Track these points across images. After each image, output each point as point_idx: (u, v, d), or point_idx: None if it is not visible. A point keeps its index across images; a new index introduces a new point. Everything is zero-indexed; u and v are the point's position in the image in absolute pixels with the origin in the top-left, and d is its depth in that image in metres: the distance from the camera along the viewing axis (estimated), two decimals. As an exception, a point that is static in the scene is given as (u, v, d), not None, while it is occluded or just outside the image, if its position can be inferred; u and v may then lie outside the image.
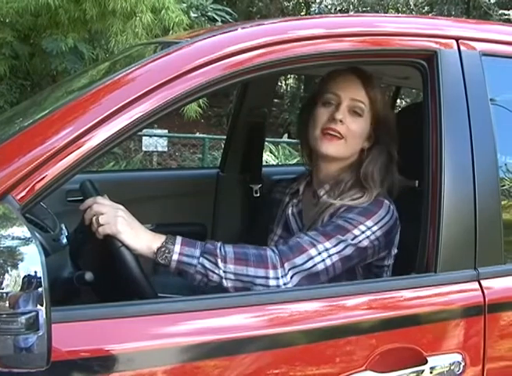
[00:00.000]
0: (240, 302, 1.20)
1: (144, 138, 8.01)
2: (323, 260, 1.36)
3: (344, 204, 1.48)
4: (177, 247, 1.29)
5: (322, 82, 1.60)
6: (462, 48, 1.41)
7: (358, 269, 1.50)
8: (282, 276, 1.31)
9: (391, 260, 1.54)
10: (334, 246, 1.38)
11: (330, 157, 1.54)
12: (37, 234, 1.54)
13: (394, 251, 1.53)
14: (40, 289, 0.89)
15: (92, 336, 1.07)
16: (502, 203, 1.44)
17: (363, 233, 1.41)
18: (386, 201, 1.48)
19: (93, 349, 1.06)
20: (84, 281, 1.28)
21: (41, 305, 0.89)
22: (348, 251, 1.39)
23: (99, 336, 1.08)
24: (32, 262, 0.89)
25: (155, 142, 8.02)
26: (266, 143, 8.34)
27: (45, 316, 0.88)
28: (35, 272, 0.88)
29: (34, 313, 0.88)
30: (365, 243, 1.41)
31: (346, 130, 1.50)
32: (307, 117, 1.59)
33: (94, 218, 1.28)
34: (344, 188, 1.54)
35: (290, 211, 1.63)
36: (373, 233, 1.42)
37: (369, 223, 1.42)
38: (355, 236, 1.40)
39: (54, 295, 1.28)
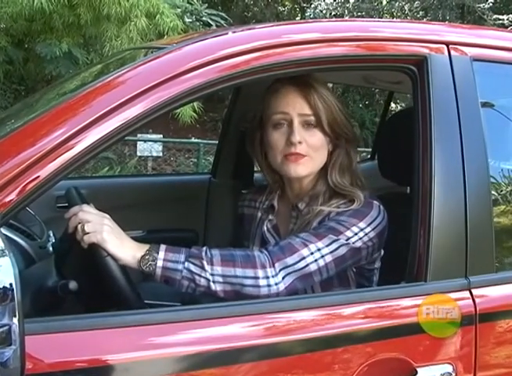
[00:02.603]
0: (237, 312, 1.19)
1: (139, 143, 8.02)
2: (316, 260, 1.33)
3: (333, 210, 1.45)
4: (161, 254, 1.26)
5: (264, 103, 1.53)
6: (452, 53, 1.39)
7: (350, 273, 1.48)
8: (272, 276, 1.28)
9: (379, 262, 1.52)
10: (327, 246, 1.35)
11: (301, 176, 1.50)
12: (22, 242, 1.53)
13: (382, 252, 1.51)
14: (13, 302, 0.86)
15: (75, 348, 1.05)
16: (494, 209, 1.42)
17: (356, 234, 1.38)
18: (375, 202, 1.45)
19: (76, 361, 1.04)
20: (69, 290, 1.26)
21: (14, 319, 0.86)
22: (342, 251, 1.36)
23: (82, 347, 1.05)
24: (5, 274, 0.87)
25: (150, 147, 8.03)
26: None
27: (17, 329, 0.86)
28: (10, 284, 0.86)
29: (6, 327, 0.85)
30: (359, 244, 1.38)
31: (307, 148, 1.46)
32: (260, 140, 1.55)
33: (79, 226, 1.25)
34: (324, 199, 1.50)
35: (265, 228, 1.58)
36: (366, 234, 1.39)
37: (362, 225, 1.39)
38: (349, 238, 1.37)
39: (38, 304, 1.27)
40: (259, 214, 1.63)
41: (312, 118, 1.46)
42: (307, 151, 1.46)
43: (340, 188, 1.49)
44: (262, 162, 1.58)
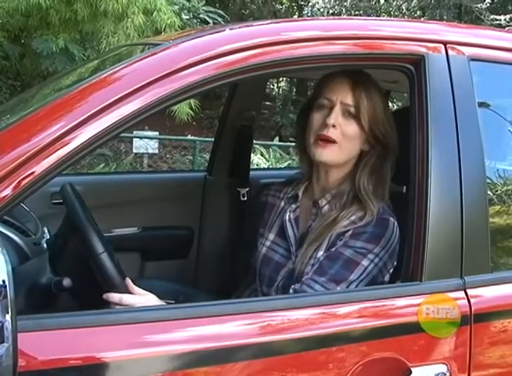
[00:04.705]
0: (231, 310, 1.18)
1: (135, 140, 7.99)
2: None
3: (351, 225, 1.45)
4: None
5: (317, 86, 1.60)
6: (450, 52, 1.39)
7: None
8: None
9: (388, 277, 1.49)
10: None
11: (326, 163, 1.52)
12: (16, 238, 1.53)
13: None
14: (6, 299, 0.86)
15: (68, 345, 1.04)
16: (490, 209, 1.42)
17: (372, 261, 1.41)
18: (391, 219, 1.45)
19: (69, 358, 1.04)
20: (63, 287, 1.26)
21: (7, 316, 0.86)
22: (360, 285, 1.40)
23: (76, 345, 1.05)
24: (-1, 270, 0.86)
25: (146, 144, 8.00)
26: (257, 146, 8.37)
27: (10, 327, 0.85)
28: (3, 281, 0.85)
29: (-1, 325, 0.85)
30: (375, 272, 1.41)
31: (339, 134, 1.48)
32: (304, 124, 1.57)
33: None
34: (346, 201, 1.51)
35: (287, 217, 1.59)
36: (381, 259, 1.42)
37: (377, 250, 1.41)
38: (365, 269, 1.40)
39: (31, 301, 1.26)
40: (282, 203, 1.64)
41: (353, 109, 1.49)
42: (338, 137, 1.48)
43: (362, 193, 1.49)
44: (300, 145, 1.61)
